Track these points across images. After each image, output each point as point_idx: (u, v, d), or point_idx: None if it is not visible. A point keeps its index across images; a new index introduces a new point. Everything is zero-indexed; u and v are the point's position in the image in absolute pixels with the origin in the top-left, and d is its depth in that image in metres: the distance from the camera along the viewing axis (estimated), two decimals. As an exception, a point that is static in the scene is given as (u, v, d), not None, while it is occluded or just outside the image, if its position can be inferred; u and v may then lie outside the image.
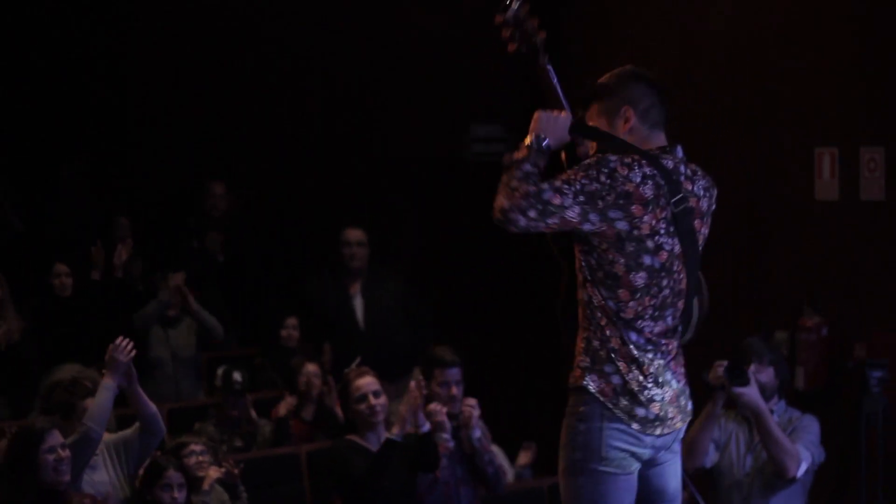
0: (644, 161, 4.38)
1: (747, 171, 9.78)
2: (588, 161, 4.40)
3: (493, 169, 12.13)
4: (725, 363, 6.71)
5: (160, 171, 11.83)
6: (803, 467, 6.71)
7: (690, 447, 6.71)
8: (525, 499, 8.15)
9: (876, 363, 8.51)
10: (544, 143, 4.47)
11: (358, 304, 9.86)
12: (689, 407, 4.61)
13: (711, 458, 6.94)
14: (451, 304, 10.97)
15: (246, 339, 10.76)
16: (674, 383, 4.49)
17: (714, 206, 4.59)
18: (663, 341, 4.46)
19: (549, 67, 4.72)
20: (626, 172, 4.33)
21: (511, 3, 4.60)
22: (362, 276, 9.91)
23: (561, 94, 4.67)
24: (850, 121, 9.27)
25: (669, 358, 4.49)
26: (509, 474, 8.36)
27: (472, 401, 7.36)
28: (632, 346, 4.40)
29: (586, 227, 4.33)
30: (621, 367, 4.40)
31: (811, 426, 6.97)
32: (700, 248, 4.51)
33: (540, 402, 10.49)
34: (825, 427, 7.11)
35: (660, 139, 4.53)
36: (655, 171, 4.37)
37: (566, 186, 4.29)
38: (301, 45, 11.84)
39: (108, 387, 6.63)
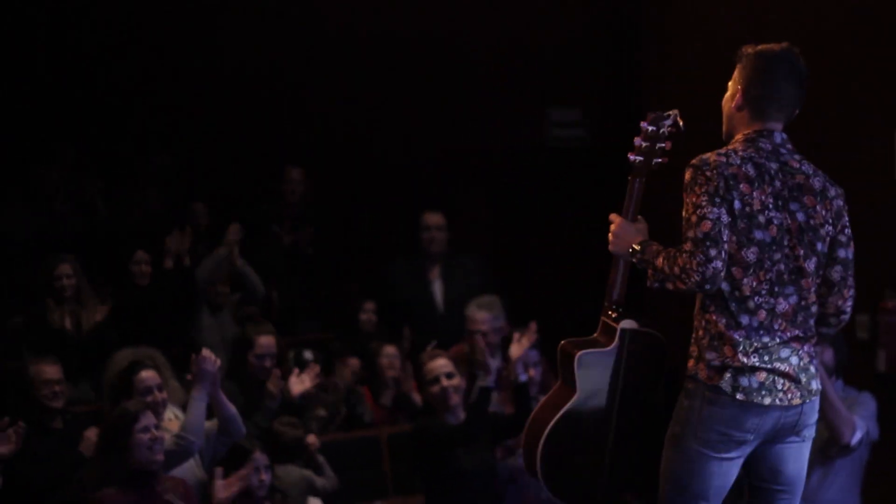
0: (739, 147, 4.60)
1: (825, 152, 9.70)
2: (686, 179, 4.59)
3: (570, 153, 12.20)
4: None
5: (240, 160, 11.90)
6: (857, 435, 6.76)
7: None
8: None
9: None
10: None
11: (437, 288, 9.88)
12: (814, 386, 4.62)
13: None
14: (526, 289, 10.97)
15: (325, 325, 10.81)
16: (793, 359, 4.55)
17: (840, 202, 4.70)
18: (782, 323, 4.54)
19: (640, 182, 4.95)
20: (724, 160, 4.53)
21: (670, 117, 4.95)
22: (441, 261, 9.93)
23: (633, 206, 4.96)
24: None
25: (788, 337, 4.56)
26: None
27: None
28: (741, 331, 4.50)
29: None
30: (726, 352, 4.51)
31: (868, 402, 7.11)
32: (822, 230, 4.61)
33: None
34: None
35: (764, 123, 4.67)
36: (753, 153, 4.56)
37: (698, 210, 4.47)
38: (377, 28, 11.87)
39: (199, 398, 6.81)
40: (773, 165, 4.58)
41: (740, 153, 4.57)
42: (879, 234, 9.43)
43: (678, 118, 4.90)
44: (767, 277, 4.52)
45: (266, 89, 11.95)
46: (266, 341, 8.05)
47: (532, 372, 7.54)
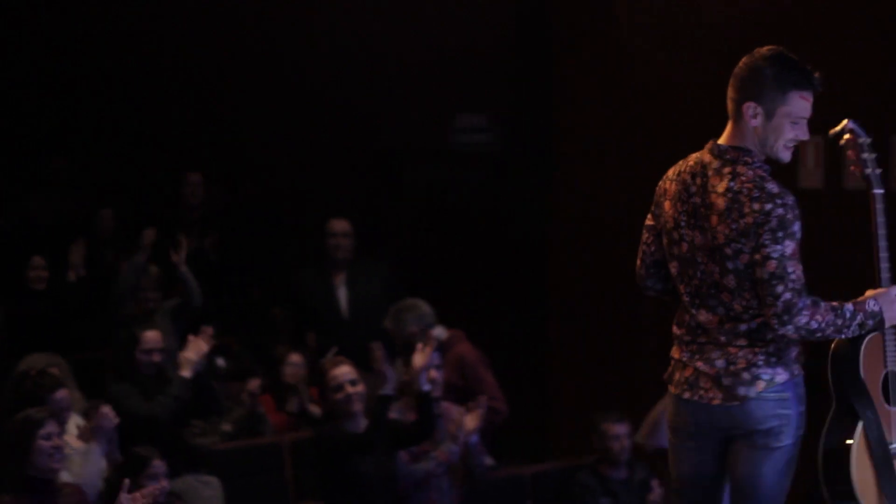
0: (691, 161, 4.84)
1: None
2: None
3: (476, 158, 12.18)
4: None
5: (142, 166, 11.80)
6: None
7: (654, 427, 6.81)
8: (507, 486, 8.17)
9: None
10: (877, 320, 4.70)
11: (342, 294, 9.86)
12: (742, 392, 4.69)
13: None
14: (436, 294, 10.95)
15: (228, 329, 10.74)
16: (719, 362, 4.71)
17: (751, 220, 4.60)
18: (709, 331, 4.72)
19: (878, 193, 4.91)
20: (666, 176, 4.90)
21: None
22: (347, 267, 9.91)
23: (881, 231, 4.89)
24: (834, 110, 9.25)
25: (721, 342, 4.71)
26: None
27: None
28: (682, 329, 4.84)
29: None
30: (673, 348, 4.90)
31: None
32: (728, 248, 4.63)
33: (523, 391, 10.48)
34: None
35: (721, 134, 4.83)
36: (689, 168, 4.79)
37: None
38: (282, 36, 11.82)
39: (97, 451, 6.83)
40: (698, 181, 4.71)
41: (681, 168, 4.81)
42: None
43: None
44: (688, 290, 4.73)
45: (167, 92, 11.85)
46: (152, 336, 8.11)
47: (434, 374, 7.52)
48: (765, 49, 4.80)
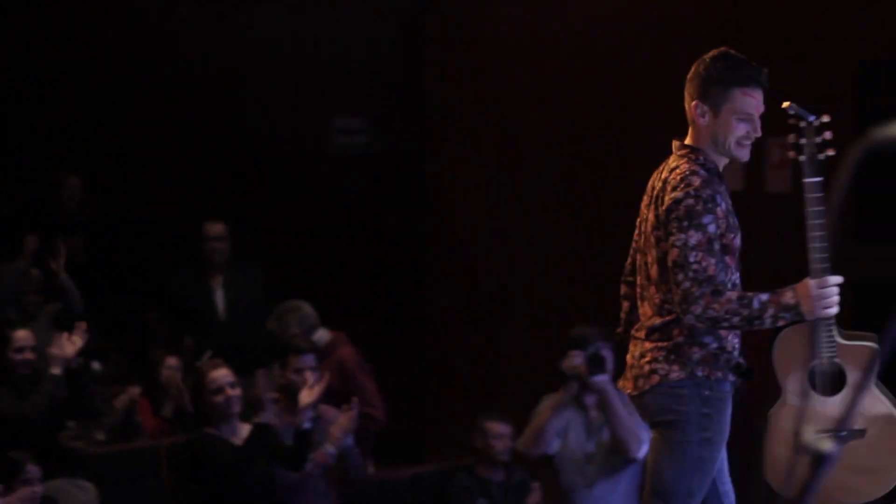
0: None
1: (613, 171, 9.89)
2: None
3: (353, 161, 12.16)
4: (583, 353, 6.79)
5: (20, 167, 11.64)
6: (644, 448, 6.82)
7: (538, 434, 6.83)
8: (384, 489, 8.18)
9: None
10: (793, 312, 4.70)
11: (219, 297, 9.82)
12: (638, 383, 4.87)
13: (554, 445, 7.04)
14: (315, 296, 10.93)
15: (104, 333, 10.64)
16: (634, 352, 4.92)
17: (663, 208, 4.73)
18: (643, 321, 4.87)
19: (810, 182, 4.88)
20: None
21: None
22: (224, 270, 9.87)
23: None
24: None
25: (642, 333, 4.86)
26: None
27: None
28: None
29: None
30: None
31: None
32: (653, 236, 4.78)
33: (403, 392, 10.51)
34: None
35: None
36: (660, 167, 4.92)
37: None
38: (156, 39, 11.72)
39: None
40: (661, 178, 4.83)
41: (661, 166, 4.91)
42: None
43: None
44: (639, 283, 4.92)
45: (45, 94, 11.70)
46: (22, 335, 8.03)
47: (309, 376, 7.52)
48: (713, 51, 4.90)
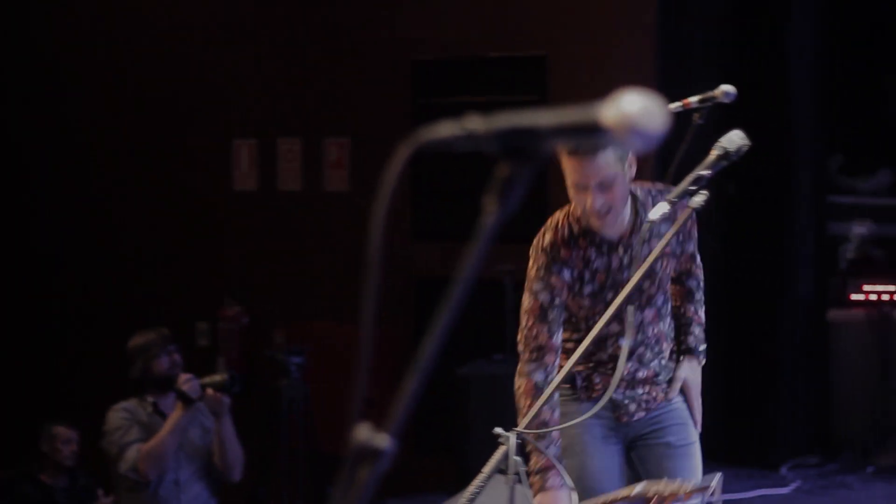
0: None
1: (169, 164, 9.81)
2: None
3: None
4: (213, 376, 6.60)
5: None
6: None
7: (158, 457, 6.47)
8: None
9: (295, 350, 8.73)
10: None
11: None
12: None
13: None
14: None
15: None
16: None
17: None
18: None
19: None
20: None
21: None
22: None
23: None
24: (267, 113, 9.49)
25: None
26: None
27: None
28: None
29: None
30: None
31: None
32: None
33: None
34: (245, 417, 7.23)
35: None
36: None
37: None
38: (42, 51, 10.62)
39: None
40: None
41: None
42: (218, 242, 9.64)
43: None
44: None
45: None
46: None
47: None
48: None
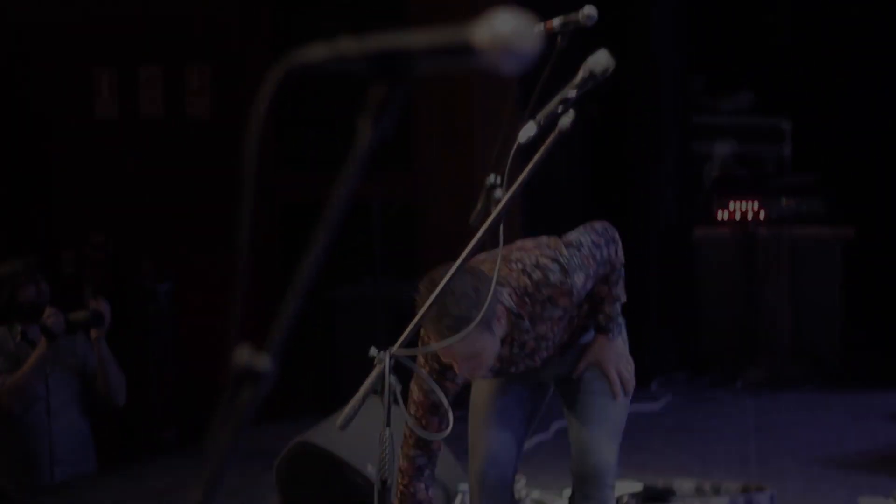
0: None
1: (28, 93, 9.67)
2: None
3: None
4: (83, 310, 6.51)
5: None
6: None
7: (21, 390, 6.40)
8: None
9: (162, 277, 8.69)
10: None
11: None
12: None
13: None
14: None
15: None
16: None
17: None
18: None
19: None
20: None
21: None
22: None
23: None
24: (128, 41, 9.38)
25: None
26: None
27: None
28: None
29: None
30: None
31: None
32: None
33: None
34: (115, 346, 7.17)
35: None
36: None
37: None
38: None
39: None
40: None
41: None
42: (82, 170, 9.53)
43: None
44: None
45: None
46: None
47: None
48: None
